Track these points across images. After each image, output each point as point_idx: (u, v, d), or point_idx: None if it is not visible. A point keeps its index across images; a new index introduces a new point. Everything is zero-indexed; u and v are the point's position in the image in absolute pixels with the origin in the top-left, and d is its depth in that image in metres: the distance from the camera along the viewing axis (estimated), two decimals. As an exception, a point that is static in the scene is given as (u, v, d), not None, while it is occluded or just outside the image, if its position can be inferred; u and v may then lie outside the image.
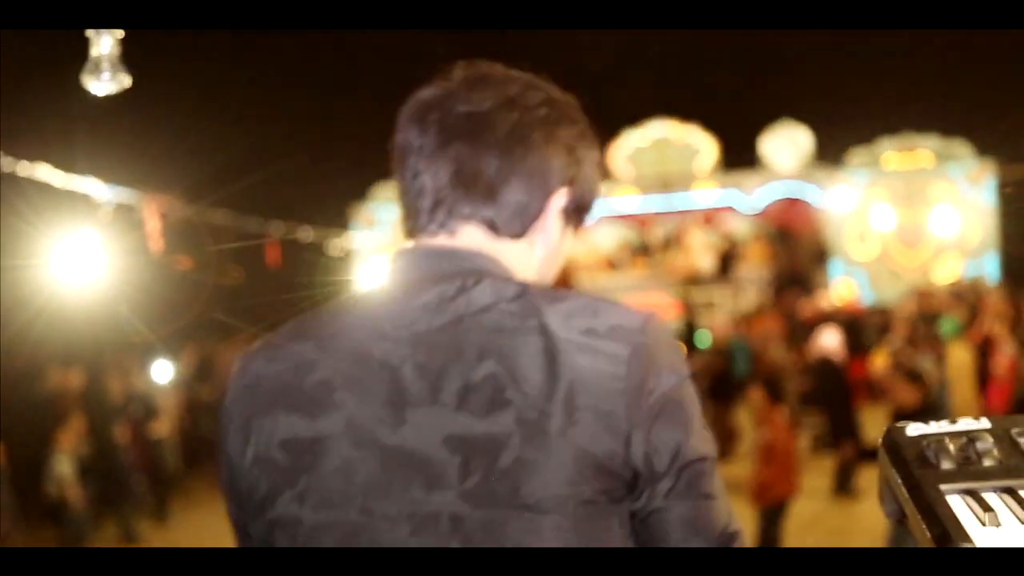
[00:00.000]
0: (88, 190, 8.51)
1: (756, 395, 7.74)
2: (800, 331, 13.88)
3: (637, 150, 21.66)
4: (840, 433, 9.87)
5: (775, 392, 7.73)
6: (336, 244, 14.57)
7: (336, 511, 1.26)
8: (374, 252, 19.56)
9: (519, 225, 1.40)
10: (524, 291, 1.32)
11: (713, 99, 19.72)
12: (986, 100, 16.45)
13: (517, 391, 1.24)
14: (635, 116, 21.04)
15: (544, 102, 1.42)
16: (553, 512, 1.22)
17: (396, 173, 1.44)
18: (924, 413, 6.43)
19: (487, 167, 1.37)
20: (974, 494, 1.24)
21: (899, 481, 1.34)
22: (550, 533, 1.22)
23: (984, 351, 12.69)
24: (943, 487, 1.25)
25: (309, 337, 1.35)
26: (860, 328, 15.16)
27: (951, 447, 1.31)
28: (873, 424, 10.46)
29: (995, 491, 1.25)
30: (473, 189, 1.38)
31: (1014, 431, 1.34)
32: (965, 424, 1.38)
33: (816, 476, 9.69)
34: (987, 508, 1.19)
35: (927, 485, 1.27)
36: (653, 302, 17.96)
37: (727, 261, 21.28)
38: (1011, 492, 1.24)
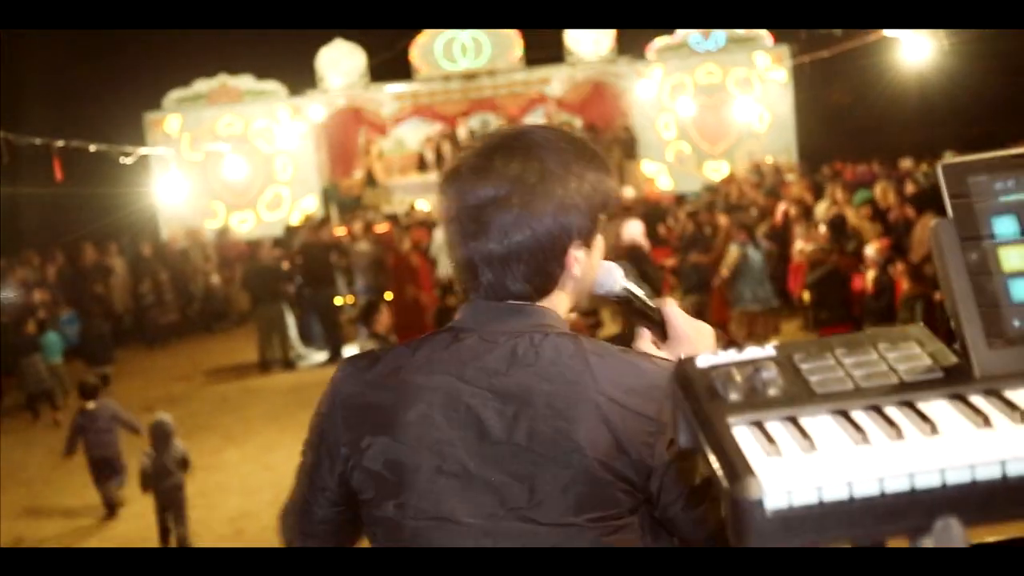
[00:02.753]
0: None
1: None
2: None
3: (442, 42, 21.38)
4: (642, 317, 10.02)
5: None
6: (129, 154, 13.92)
7: (431, 522, 1.64)
8: (169, 161, 18.89)
9: (550, 286, 1.74)
10: (579, 348, 1.67)
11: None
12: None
13: (573, 440, 1.60)
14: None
15: (541, 175, 1.67)
16: (592, 529, 1.62)
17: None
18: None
19: (510, 256, 1.68)
20: (759, 425, 1.27)
21: (691, 414, 1.36)
22: (591, 542, 1.61)
23: (783, 235, 13.22)
24: (730, 419, 1.28)
25: (411, 371, 1.69)
26: (663, 217, 15.55)
27: (738, 378, 1.33)
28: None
29: (779, 420, 1.28)
30: (505, 273, 1.70)
31: (796, 357, 1.37)
32: (751, 353, 1.41)
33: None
34: (770, 439, 1.22)
35: (715, 418, 1.29)
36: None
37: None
38: (793, 420, 1.27)
